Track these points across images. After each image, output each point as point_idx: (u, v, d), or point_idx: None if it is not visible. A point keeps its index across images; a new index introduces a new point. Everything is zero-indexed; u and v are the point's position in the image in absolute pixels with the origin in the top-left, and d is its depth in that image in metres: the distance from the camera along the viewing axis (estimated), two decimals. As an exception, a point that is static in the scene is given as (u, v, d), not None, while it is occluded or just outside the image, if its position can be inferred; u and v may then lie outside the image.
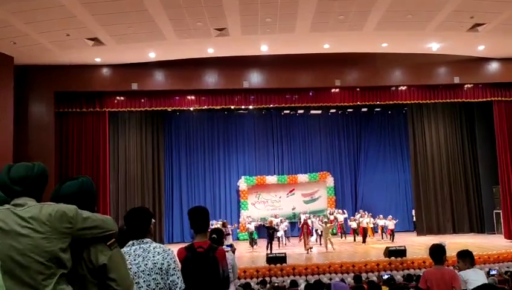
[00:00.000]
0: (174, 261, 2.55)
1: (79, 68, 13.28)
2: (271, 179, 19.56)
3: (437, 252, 4.26)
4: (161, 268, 2.50)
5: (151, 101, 14.38)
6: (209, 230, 4.56)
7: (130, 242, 2.63)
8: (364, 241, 16.28)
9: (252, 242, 15.52)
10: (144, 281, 2.48)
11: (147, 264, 2.51)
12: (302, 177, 19.84)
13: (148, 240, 2.63)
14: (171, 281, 2.50)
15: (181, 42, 11.92)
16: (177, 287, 2.50)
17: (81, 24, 10.41)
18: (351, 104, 15.55)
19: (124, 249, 2.58)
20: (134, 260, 2.53)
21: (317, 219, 16.84)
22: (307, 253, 13.98)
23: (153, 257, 2.53)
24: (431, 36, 12.41)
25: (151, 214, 2.79)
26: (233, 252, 6.25)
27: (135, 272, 2.49)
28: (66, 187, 2.03)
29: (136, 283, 2.46)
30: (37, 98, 13.40)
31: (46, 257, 1.67)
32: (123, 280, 1.90)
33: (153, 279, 2.49)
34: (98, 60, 13.14)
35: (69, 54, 12.40)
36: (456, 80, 14.59)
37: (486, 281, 4.18)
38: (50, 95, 13.43)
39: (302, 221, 15.65)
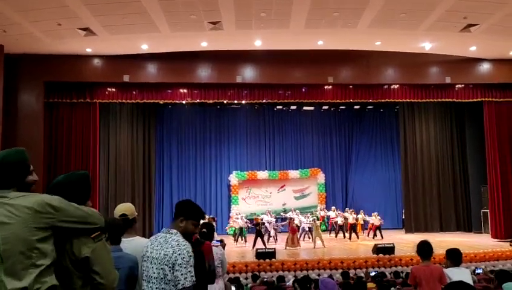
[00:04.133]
0: (183, 257, 2.54)
1: (70, 58, 13.15)
2: (262, 174, 19.58)
3: (424, 248, 4.31)
4: (169, 261, 2.54)
5: (143, 94, 14.28)
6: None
7: (163, 229, 2.74)
8: (350, 238, 16.38)
9: (238, 237, 15.45)
10: (156, 268, 2.56)
11: (160, 253, 2.58)
12: (293, 174, 19.89)
13: (174, 231, 2.68)
14: (174, 276, 2.52)
15: (174, 35, 11.85)
16: (179, 283, 2.50)
17: (73, 14, 10.30)
18: (343, 101, 15.58)
19: (157, 234, 2.73)
20: (156, 246, 2.63)
21: (303, 216, 16.84)
22: (285, 248, 14.02)
23: (167, 248, 2.58)
24: (424, 36, 12.48)
25: (184, 209, 2.78)
26: (223, 248, 6.25)
27: (153, 258, 2.60)
28: (56, 179, 2.05)
29: (151, 268, 2.58)
30: (26, 87, 13.23)
31: (26, 246, 1.66)
32: (107, 273, 1.89)
33: (161, 269, 2.55)
34: (89, 50, 13.02)
35: (60, 44, 12.26)
36: (448, 80, 14.68)
37: (470, 279, 4.23)
38: (40, 84, 13.27)
39: (288, 218, 15.73)
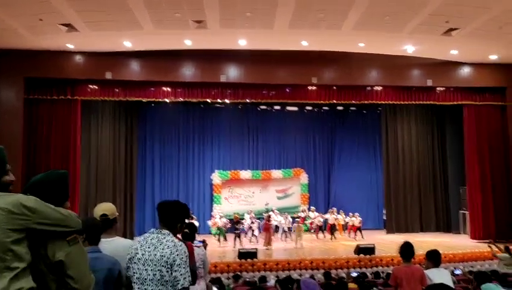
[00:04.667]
0: (181, 258, 2.56)
1: (51, 54, 12.92)
2: (245, 174, 19.55)
3: (407, 250, 4.35)
4: (167, 262, 2.53)
5: (126, 92, 14.11)
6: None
7: (152, 229, 2.71)
8: (331, 238, 16.50)
9: (219, 237, 15.49)
10: (152, 269, 2.54)
11: (156, 254, 2.56)
12: (276, 173, 19.91)
13: (166, 231, 2.67)
14: (173, 277, 2.52)
15: (158, 32, 11.74)
16: (178, 283, 2.52)
17: (55, 9, 10.11)
18: (327, 102, 15.67)
19: (145, 235, 2.69)
20: (148, 247, 2.61)
21: (283, 215, 16.93)
22: (266, 249, 14.09)
23: (163, 249, 2.57)
24: (407, 38, 12.63)
25: (183, 213, 2.83)
26: (205, 248, 6.22)
27: (146, 259, 2.57)
28: (33, 178, 1.98)
29: (145, 269, 2.55)
30: (6, 83, 12.95)
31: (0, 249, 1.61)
32: (82, 278, 1.83)
33: (158, 270, 2.53)
34: (71, 46, 12.81)
35: (42, 40, 12.04)
36: (429, 83, 14.91)
37: (450, 281, 4.29)
38: (20, 80, 13.01)
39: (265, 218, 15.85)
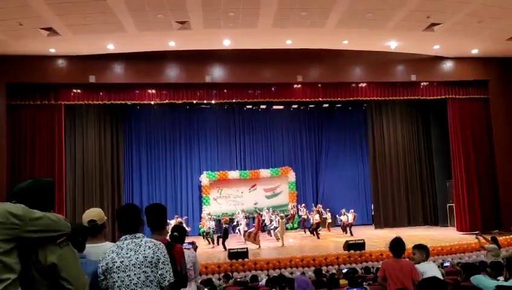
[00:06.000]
0: (164, 255, 2.62)
1: (33, 59, 12.74)
2: (233, 174, 19.53)
3: (397, 246, 4.38)
4: (151, 262, 2.57)
5: (110, 95, 13.98)
6: (168, 226, 4.52)
7: (123, 237, 2.69)
8: (316, 234, 16.54)
9: (217, 238, 15.44)
10: (135, 273, 2.55)
11: (138, 257, 2.57)
12: (264, 172, 19.93)
13: (140, 235, 2.69)
14: (159, 275, 2.57)
15: (141, 34, 11.66)
16: (165, 280, 2.57)
17: (35, 13, 9.98)
18: (312, 100, 15.73)
19: (118, 243, 2.66)
20: (127, 253, 2.60)
21: (271, 213, 16.96)
22: (258, 247, 14.14)
23: (144, 250, 2.59)
24: (390, 35, 12.75)
25: (140, 212, 2.87)
26: (195, 250, 6.19)
27: (127, 265, 2.56)
28: (19, 185, 1.94)
29: (127, 275, 2.54)
30: (-13, 89, 12.74)
31: None
32: (76, 279, 1.81)
33: (143, 272, 2.55)
34: (52, 50, 12.64)
35: (23, 45, 11.86)
36: (413, 78, 15.07)
37: (439, 273, 4.34)
38: (2, 87, 12.80)
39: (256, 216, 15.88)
